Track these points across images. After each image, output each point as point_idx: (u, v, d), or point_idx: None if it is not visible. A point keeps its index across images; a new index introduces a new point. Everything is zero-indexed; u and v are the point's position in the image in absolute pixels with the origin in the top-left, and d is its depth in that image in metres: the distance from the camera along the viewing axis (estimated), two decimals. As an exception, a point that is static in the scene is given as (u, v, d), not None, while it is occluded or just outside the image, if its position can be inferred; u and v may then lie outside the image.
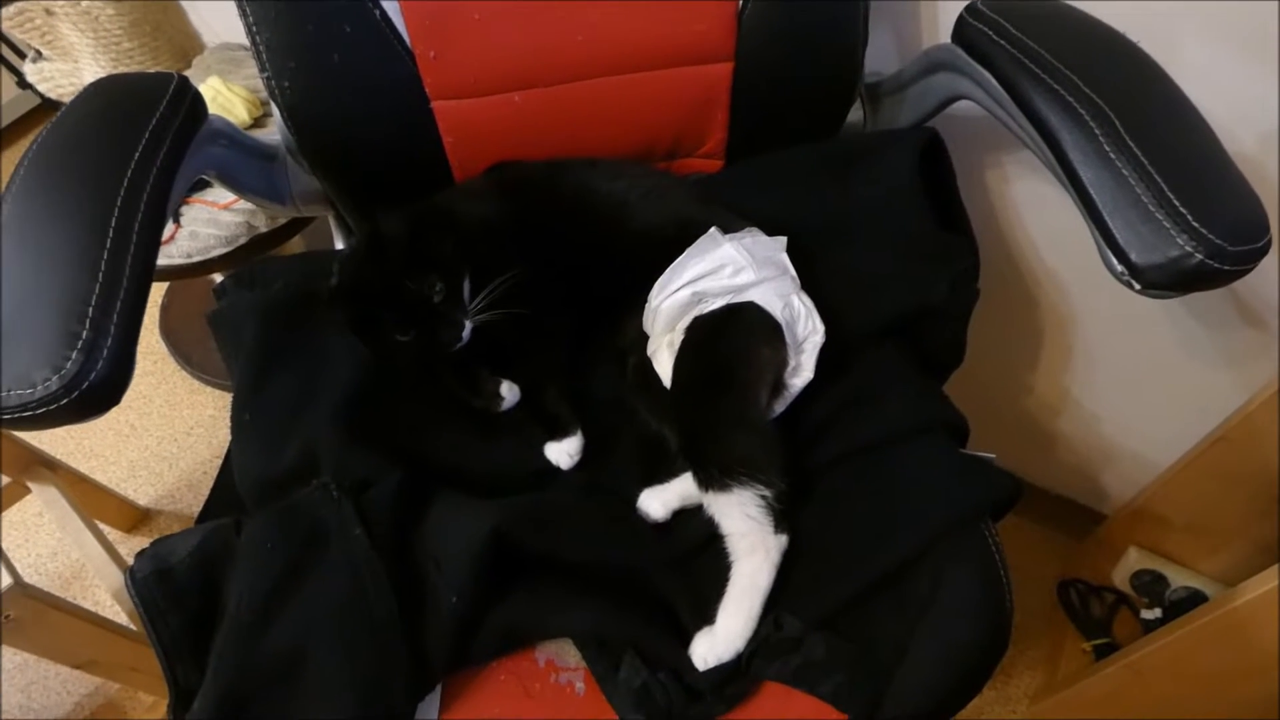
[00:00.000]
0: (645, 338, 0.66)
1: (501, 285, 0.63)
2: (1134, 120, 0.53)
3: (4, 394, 0.45)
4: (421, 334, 0.61)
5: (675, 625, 0.57)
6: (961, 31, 0.64)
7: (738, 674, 0.54)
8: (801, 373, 0.61)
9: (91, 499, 1.21)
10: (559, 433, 0.64)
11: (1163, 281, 0.50)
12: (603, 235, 0.69)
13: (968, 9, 0.64)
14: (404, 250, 0.61)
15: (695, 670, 0.54)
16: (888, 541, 0.56)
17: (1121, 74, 0.57)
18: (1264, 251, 0.49)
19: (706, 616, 0.55)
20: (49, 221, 0.51)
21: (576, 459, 0.63)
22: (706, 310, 0.61)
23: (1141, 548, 1.02)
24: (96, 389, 0.46)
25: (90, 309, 0.47)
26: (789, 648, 0.54)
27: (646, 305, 0.65)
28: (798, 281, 0.63)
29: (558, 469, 0.64)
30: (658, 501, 0.61)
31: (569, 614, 0.56)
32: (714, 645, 0.54)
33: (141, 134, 0.56)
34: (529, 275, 0.65)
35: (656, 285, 0.64)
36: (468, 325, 0.62)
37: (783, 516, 0.55)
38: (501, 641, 0.56)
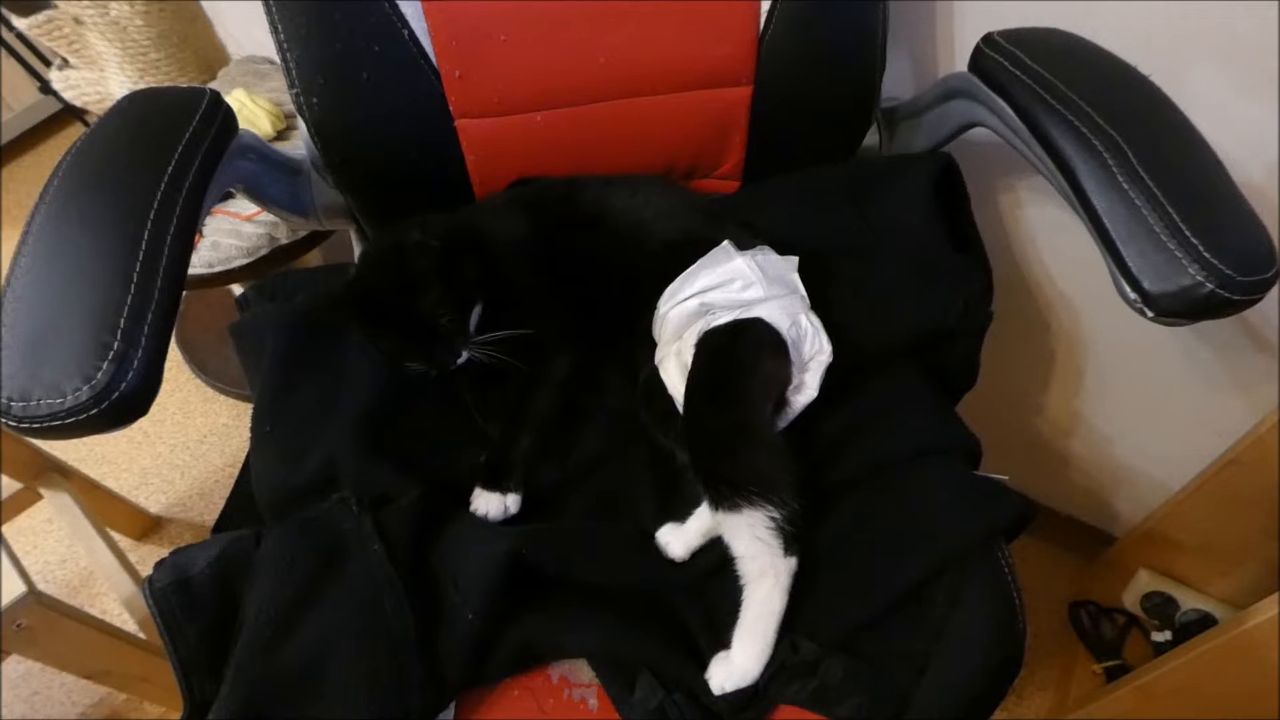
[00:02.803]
0: (654, 350, 0.66)
1: (510, 334, 0.63)
2: (1146, 151, 0.54)
3: (35, 403, 0.46)
4: (417, 350, 0.62)
5: (691, 646, 0.57)
6: (978, 61, 0.65)
7: (755, 697, 0.54)
8: (805, 390, 0.60)
9: (103, 506, 1.21)
10: (507, 485, 0.61)
11: (1174, 309, 0.51)
12: (618, 251, 0.70)
13: (984, 40, 0.65)
14: (426, 270, 0.61)
15: (711, 692, 0.54)
16: (902, 563, 0.56)
17: (1134, 106, 0.58)
18: (1272, 282, 0.50)
19: (722, 638, 0.55)
20: (82, 232, 0.52)
21: (510, 514, 0.61)
22: (713, 324, 0.61)
23: (1152, 570, 1.02)
24: (126, 399, 0.47)
25: (122, 320, 0.48)
26: (806, 671, 0.54)
27: (655, 312, 0.65)
28: (807, 301, 0.63)
29: (571, 488, 0.64)
30: (678, 542, 0.60)
31: (584, 634, 0.56)
32: (730, 673, 0.54)
33: (175, 148, 0.57)
34: (540, 320, 0.65)
35: (666, 292, 0.64)
36: (464, 354, 0.63)
37: (793, 539, 0.55)
38: (516, 659, 0.56)
